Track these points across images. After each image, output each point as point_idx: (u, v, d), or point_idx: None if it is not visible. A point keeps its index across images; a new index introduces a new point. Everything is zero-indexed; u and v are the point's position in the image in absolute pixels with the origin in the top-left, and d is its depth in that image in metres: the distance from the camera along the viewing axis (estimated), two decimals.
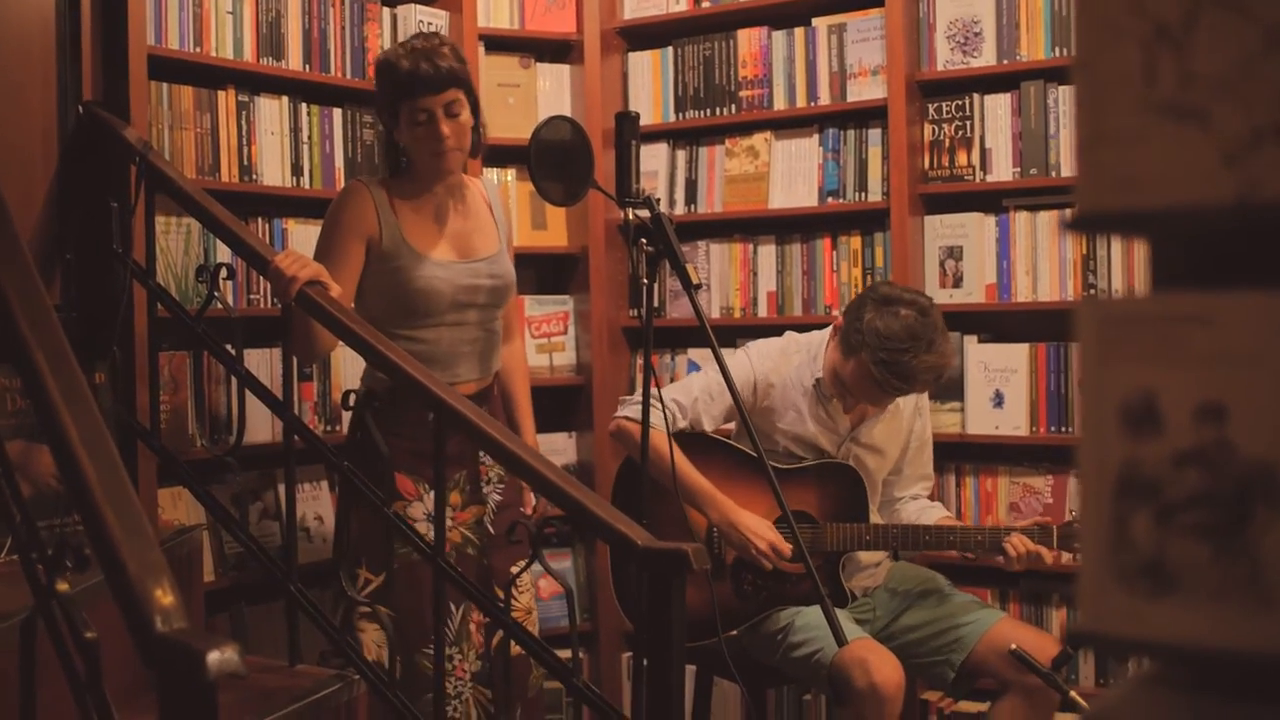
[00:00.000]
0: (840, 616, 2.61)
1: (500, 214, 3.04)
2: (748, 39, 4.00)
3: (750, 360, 3.15)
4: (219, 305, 2.90)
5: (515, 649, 2.62)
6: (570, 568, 4.14)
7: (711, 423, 3.15)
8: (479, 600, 2.49)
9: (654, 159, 4.13)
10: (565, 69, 4.23)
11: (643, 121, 2.73)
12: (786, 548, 2.98)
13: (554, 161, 2.65)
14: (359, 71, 3.74)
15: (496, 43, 4.13)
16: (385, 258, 2.83)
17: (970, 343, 3.66)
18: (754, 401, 3.10)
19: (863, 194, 3.83)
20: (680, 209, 4.12)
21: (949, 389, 3.67)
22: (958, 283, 3.68)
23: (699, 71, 4.09)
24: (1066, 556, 3.47)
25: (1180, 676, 0.86)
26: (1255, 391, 0.77)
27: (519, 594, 2.85)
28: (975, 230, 3.67)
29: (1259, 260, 0.83)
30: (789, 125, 3.98)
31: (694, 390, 3.15)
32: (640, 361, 4.21)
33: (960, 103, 3.69)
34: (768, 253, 4.00)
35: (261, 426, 3.36)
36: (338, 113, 3.70)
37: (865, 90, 3.81)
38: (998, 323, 3.71)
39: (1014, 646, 2.79)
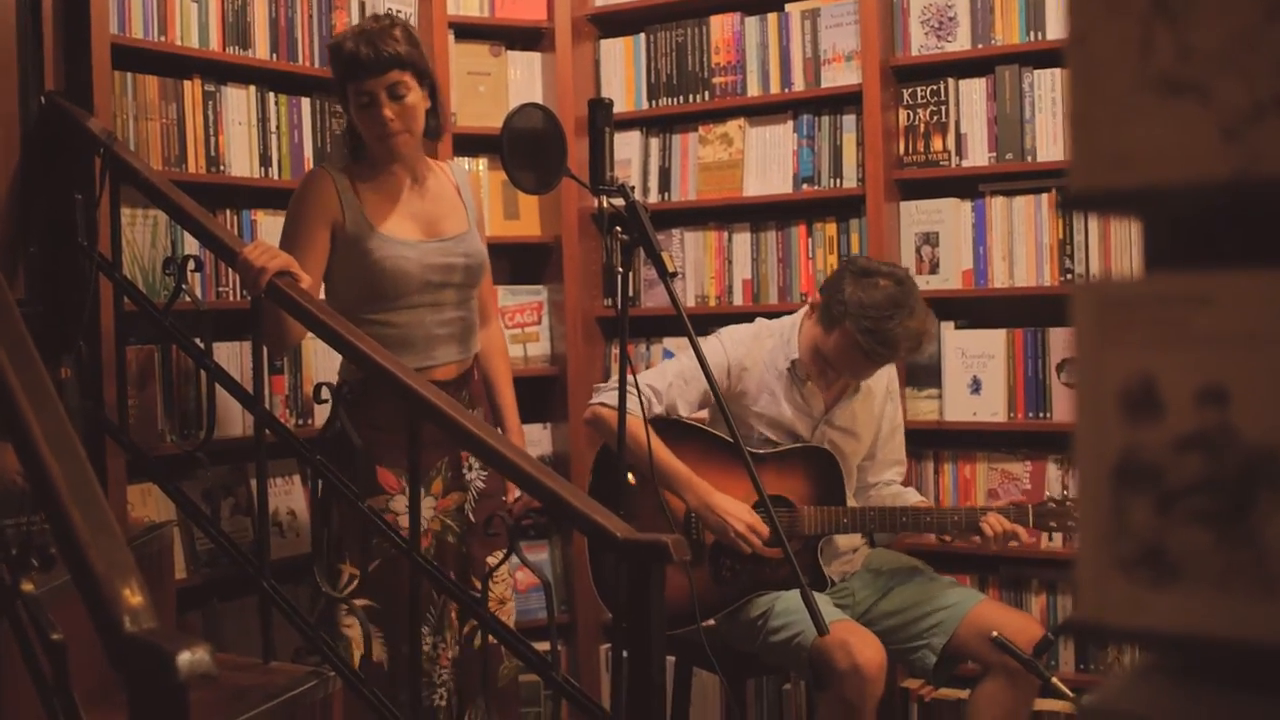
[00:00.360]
0: (820, 602, 2.59)
1: (469, 197, 3.01)
2: (720, 25, 3.97)
3: (724, 345, 3.13)
4: (187, 298, 2.85)
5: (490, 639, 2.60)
6: (547, 559, 4.11)
7: (687, 408, 3.13)
8: (456, 596, 2.46)
9: (627, 147, 4.10)
10: (536, 57, 4.19)
11: (615, 109, 2.70)
12: (765, 529, 2.97)
13: (527, 150, 2.61)
14: (327, 60, 3.68)
15: (467, 30, 4.08)
16: (350, 241, 2.80)
17: (947, 329, 3.64)
18: (728, 386, 3.09)
19: (838, 180, 3.81)
20: (654, 197, 4.09)
21: (926, 375, 3.66)
22: (934, 269, 3.66)
23: (671, 58, 4.06)
24: (1045, 538, 3.47)
25: (1179, 666, 0.84)
26: (1258, 373, 0.75)
27: (494, 583, 2.82)
28: (951, 216, 3.65)
29: (1255, 239, 0.81)
30: (763, 112, 3.95)
31: (668, 376, 3.13)
32: (615, 351, 4.18)
33: (935, 88, 3.67)
34: (743, 240, 3.97)
35: (232, 421, 3.31)
36: (306, 102, 3.65)
37: (839, 76, 3.79)
38: (975, 309, 3.69)
39: (995, 634, 2.78)
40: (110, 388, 2.95)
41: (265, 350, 2.76)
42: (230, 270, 3.40)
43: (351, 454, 2.48)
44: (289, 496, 3.56)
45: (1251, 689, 0.78)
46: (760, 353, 3.15)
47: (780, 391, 3.12)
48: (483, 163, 4.11)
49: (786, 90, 3.88)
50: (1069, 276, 3.51)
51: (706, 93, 4.00)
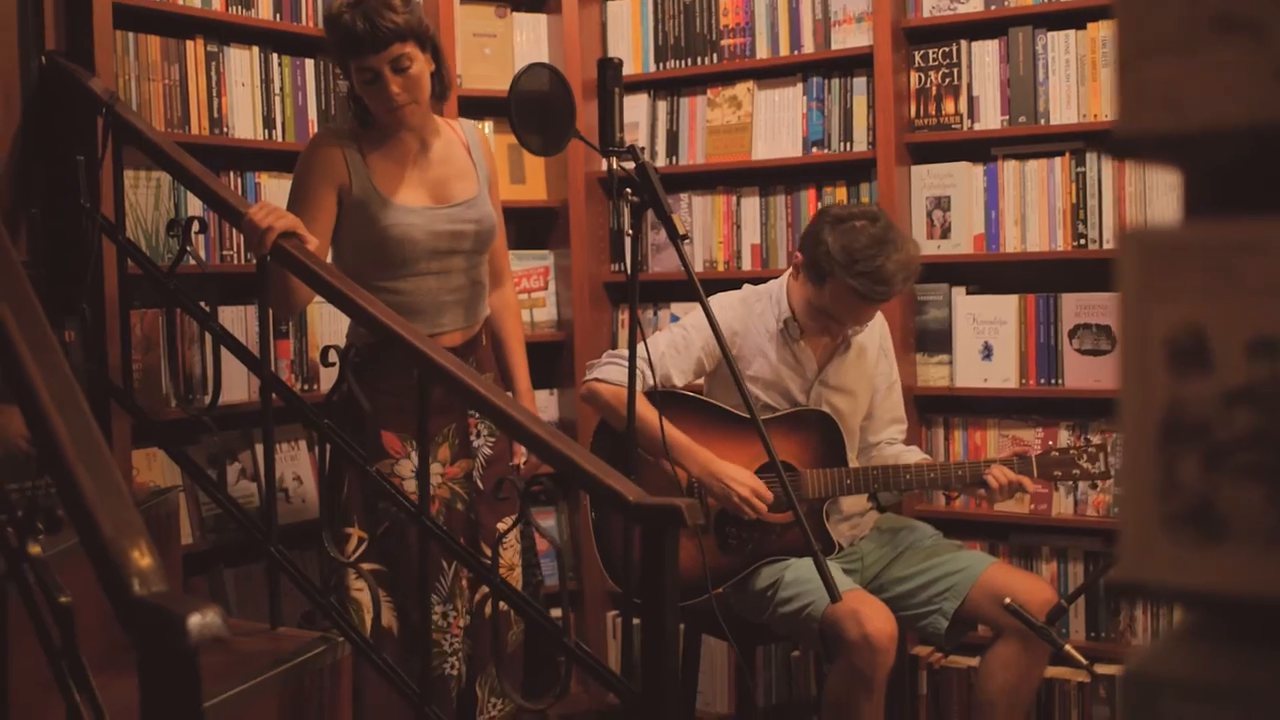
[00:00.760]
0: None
1: (480, 156, 2.95)
2: None
3: (713, 312, 3.10)
4: (191, 260, 2.82)
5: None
6: (554, 526, 4.09)
7: (681, 377, 3.10)
8: (466, 561, 2.43)
9: (634, 110, 4.05)
10: (542, 19, 4.14)
11: (623, 72, 2.68)
12: (769, 494, 2.95)
13: (535, 111, 2.57)
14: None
15: None
16: (357, 207, 2.76)
17: (958, 294, 3.61)
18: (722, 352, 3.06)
19: (848, 144, 3.76)
20: (662, 161, 4.05)
21: (937, 341, 3.63)
22: (945, 233, 3.62)
23: (679, 20, 4.01)
24: (1057, 504, 3.45)
25: (1221, 628, 0.81)
26: None
27: (503, 550, 2.80)
28: (963, 180, 3.61)
29: None
30: (772, 74, 3.90)
31: (660, 347, 3.09)
32: (623, 317, 4.15)
33: (947, 49, 3.62)
34: (751, 204, 3.93)
35: (237, 385, 3.29)
36: (310, 64, 3.61)
37: (850, 38, 3.74)
38: (986, 274, 3.66)
39: (1008, 601, 2.76)
40: (114, 351, 2.92)
41: (271, 314, 2.72)
42: (235, 233, 3.36)
43: (359, 418, 2.45)
44: (294, 462, 3.54)
45: None
46: (751, 316, 3.13)
47: (773, 353, 3.10)
48: (488, 125, 4.06)
49: (796, 52, 3.83)
50: (1082, 241, 3.47)
51: (715, 55, 3.96)
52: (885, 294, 2.95)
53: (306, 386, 3.53)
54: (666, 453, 2.88)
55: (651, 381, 3.05)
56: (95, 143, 2.89)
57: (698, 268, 3.99)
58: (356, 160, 2.77)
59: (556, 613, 2.29)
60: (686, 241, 3.13)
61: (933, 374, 3.64)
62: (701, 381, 3.22)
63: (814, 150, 3.83)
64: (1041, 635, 2.76)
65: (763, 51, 3.88)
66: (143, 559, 1.37)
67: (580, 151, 3.98)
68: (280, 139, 3.53)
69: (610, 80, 2.55)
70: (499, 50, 4.07)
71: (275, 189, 3.48)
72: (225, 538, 3.30)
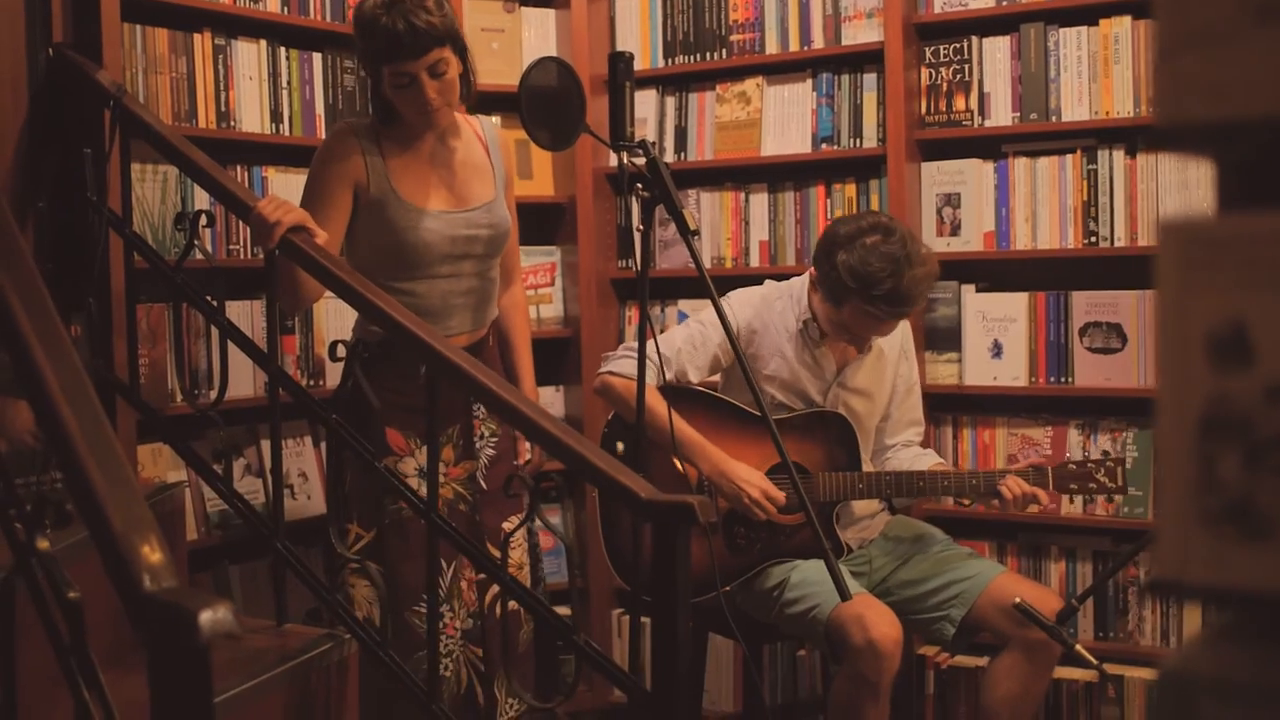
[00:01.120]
0: None
1: (498, 155, 2.94)
2: None
3: (733, 308, 3.08)
4: (198, 255, 2.80)
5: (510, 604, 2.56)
6: (559, 524, 4.08)
7: (697, 374, 3.08)
8: (475, 558, 2.41)
9: (643, 106, 4.03)
10: (550, 13, 4.12)
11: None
12: (780, 496, 2.93)
13: (544, 106, 2.55)
14: (339, 14, 3.63)
15: None
16: (373, 207, 2.73)
17: (968, 292, 3.59)
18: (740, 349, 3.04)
19: (858, 140, 3.75)
20: (670, 157, 4.03)
21: (946, 339, 3.61)
22: (955, 230, 3.60)
23: (688, 15, 3.99)
24: (1065, 503, 3.43)
25: (1257, 627, 0.79)
26: None
27: (511, 549, 2.78)
28: (973, 177, 3.59)
29: None
30: (782, 70, 3.88)
31: (677, 342, 3.07)
32: (629, 313, 4.13)
33: (958, 45, 3.60)
34: (760, 201, 3.91)
35: (242, 381, 3.27)
36: (318, 57, 3.59)
37: (860, 33, 3.72)
38: (996, 271, 3.64)
39: (1018, 600, 2.74)
40: (120, 346, 2.90)
41: (279, 308, 2.71)
42: (241, 227, 3.35)
43: (365, 414, 2.43)
44: (300, 458, 3.52)
45: None
46: (770, 314, 3.10)
47: (792, 353, 3.07)
48: (496, 121, 4.04)
49: (806, 48, 3.81)
50: (1093, 239, 3.45)
51: (724, 50, 3.94)
52: (904, 313, 2.94)
53: (312, 382, 3.52)
54: (675, 449, 2.86)
55: (668, 376, 3.03)
56: (102, 136, 2.87)
57: (705, 264, 3.95)
58: (375, 159, 2.75)
59: (562, 610, 2.27)
60: (696, 237, 3.12)
61: (942, 372, 3.62)
62: (717, 378, 3.20)
63: (823, 147, 3.81)
64: (1051, 634, 2.74)
65: (772, 47, 3.86)
66: (153, 554, 1.35)
67: (588, 147, 3.96)
68: (288, 133, 3.51)
69: (621, 74, 2.52)
70: (507, 45, 4.06)
71: (282, 183, 3.47)
72: (230, 534, 3.28)
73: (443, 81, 2.67)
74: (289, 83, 3.52)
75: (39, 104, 2.91)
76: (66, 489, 1.47)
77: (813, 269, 3.00)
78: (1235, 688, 0.76)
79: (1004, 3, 3.55)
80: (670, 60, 4.02)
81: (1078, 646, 2.76)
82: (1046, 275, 3.57)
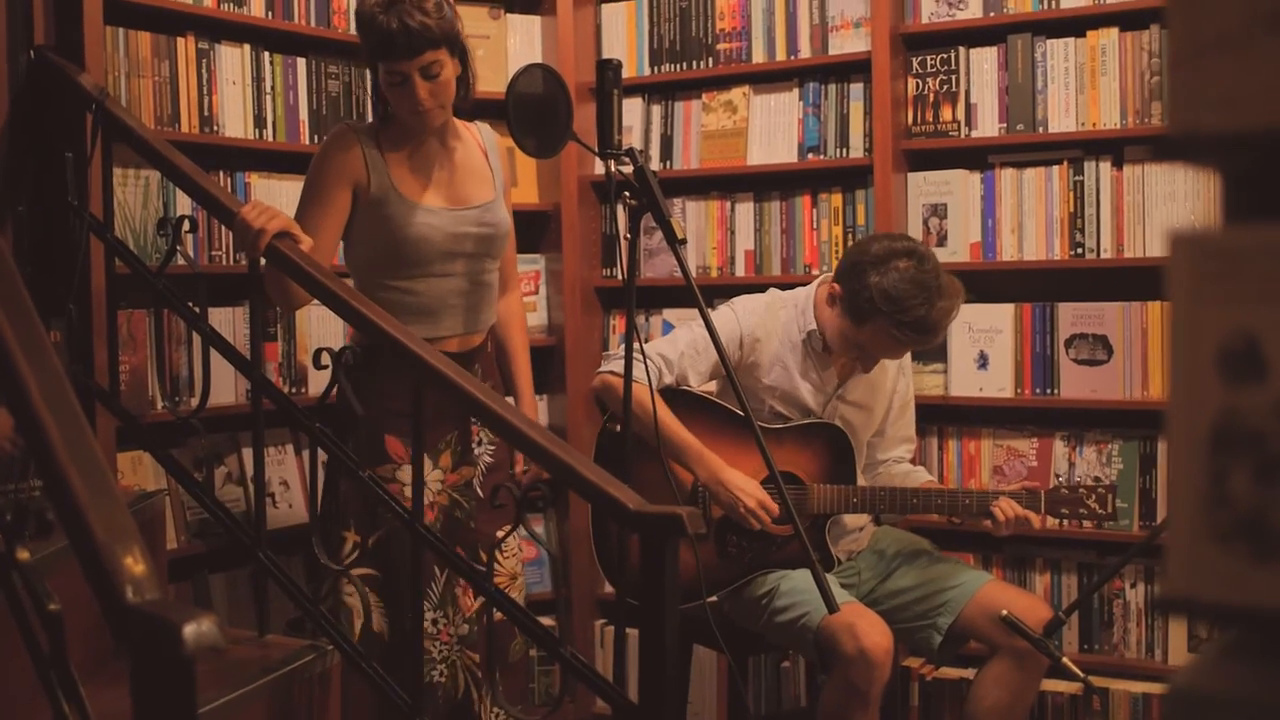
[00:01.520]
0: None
1: (497, 162, 2.94)
2: None
3: (736, 315, 3.06)
4: (181, 260, 2.77)
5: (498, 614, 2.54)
6: (543, 533, 4.05)
7: (698, 379, 3.07)
8: (461, 569, 2.39)
9: (629, 114, 4.01)
10: (536, 20, 4.10)
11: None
12: (775, 506, 2.91)
13: (531, 113, 2.54)
14: (324, 19, 3.60)
15: None
16: (374, 205, 2.73)
17: None
18: (740, 357, 3.02)
19: (844, 150, 3.74)
20: (656, 165, 4.01)
21: (932, 350, 3.60)
22: (941, 241, 3.59)
23: (675, 23, 3.98)
24: (1053, 522, 3.42)
25: (1266, 644, 0.78)
26: None
27: (505, 559, 2.77)
28: (960, 187, 3.58)
29: None
30: (768, 79, 3.87)
31: (680, 345, 3.05)
32: (614, 322, 4.12)
33: (945, 56, 3.60)
34: (745, 210, 3.90)
35: (224, 388, 3.24)
36: (301, 62, 3.56)
37: (847, 43, 3.71)
38: (983, 282, 3.62)
39: (1005, 613, 2.74)
40: (100, 352, 2.87)
41: (263, 314, 2.68)
42: (224, 233, 3.32)
43: (360, 422, 2.41)
44: (281, 466, 3.49)
45: None
46: (774, 324, 3.08)
47: (794, 364, 3.05)
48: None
49: (793, 57, 3.81)
50: (1079, 251, 3.45)
51: (710, 59, 3.92)
52: (928, 342, 2.94)
53: (295, 389, 3.49)
54: (664, 451, 2.82)
55: (669, 380, 3.02)
56: (84, 139, 2.84)
57: (691, 273, 3.94)
58: (376, 158, 2.74)
59: (545, 620, 2.25)
60: (683, 246, 3.10)
61: (927, 383, 3.61)
62: (715, 384, 3.19)
63: (810, 156, 3.80)
64: (1038, 647, 2.74)
65: (759, 56, 3.85)
66: (136, 565, 1.32)
67: (573, 154, 3.94)
68: (271, 138, 3.48)
69: (610, 82, 2.51)
70: (492, 52, 4.03)
71: (265, 189, 3.44)
72: (210, 543, 3.25)
73: (435, 83, 2.66)
74: (273, 88, 3.49)
75: (19, 107, 2.88)
76: (47, 498, 1.45)
77: (835, 284, 2.96)
78: (1244, 705, 0.75)
79: (991, 14, 3.54)
80: (656, 68, 4.01)
81: (1064, 659, 2.76)
82: (1033, 286, 3.57)
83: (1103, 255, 3.42)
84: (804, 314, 3.05)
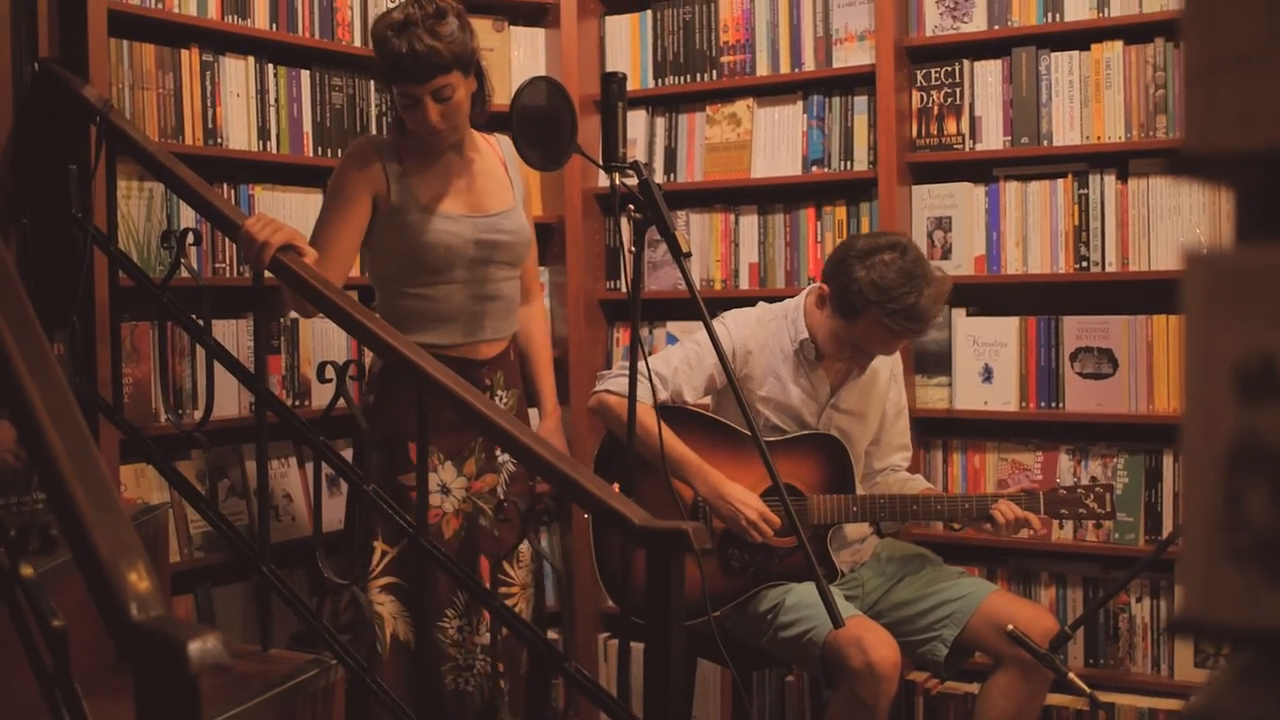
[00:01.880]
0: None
1: (516, 173, 2.97)
2: (729, 2, 3.89)
3: (728, 329, 3.07)
4: (184, 273, 2.77)
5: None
6: (546, 547, 4.04)
7: (693, 394, 3.06)
8: (461, 579, 2.38)
9: (633, 126, 4.01)
10: (540, 33, 4.11)
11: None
12: (776, 519, 2.90)
13: (536, 126, 2.53)
14: (328, 32, 3.60)
15: (469, 4, 3.95)
16: (395, 213, 2.76)
17: (959, 316, 3.58)
18: (734, 370, 3.02)
19: (848, 163, 3.73)
20: (659, 178, 4.01)
21: (936, 363, 3.59)
22: (946, 254, 3.59)
23: (679, 36, 3.98)
24: (1056, 529, 3.41)
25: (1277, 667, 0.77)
26: None
27: (517, 569, 2.77)
28: (964, 200, 3.58)
29: None
30: (772, 92, 3.87)
31: (674, 361, 3.05)
32: (618, 335, 4.11)
33: (950, 69, 3.60)
34: (749, 223, 3.90)
35: (227, 400, 3.23)
36: (306, 74, 3.56)
37: (852, 56, 3.71)
38: (987, 295, 3.62)
39: (1011, 628, 2.73)
40: (104, 365, 2.86)
41: (267, 326, 2.69)
42: (228, 245, 3.32)
43: (388, 433, 2.42)
44: (285, 479, 3.48)
45: None
46: (765, 335, 3.08)
47: (786, 375, 3.05)
48: None
49: (797, 70, 3.81)
50: (1084, 264, 3.44)
51: (714, 72, 3.92)
52: (920, 330, 2.94)
53: (298, 402, 3.48)
54: (664, 470, 2.82)
55: (664, 396, 3.01)
56: (88, 152, 2.83)
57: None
58: (395, 169, 2.78)
59: (551, 634, 2.24)
60: (688, 259, 3.10)
61: (932, 396, 3.60)
62: (709, 400, 3.18)
63: (814, 169, 3.80)
64: (1045, 662, 2.72)
65: (763, 69, 3.85)
66: (141, 582, 1.32)
67: (577, 167, 3.94)
68: (275, 150, 3.48)
69: (614, 95, 2.51)
70: (496, 64, 4.03)
71: (270, 201, 3.44)
72: (213, 556, 3.24)
73: (447, 106, 2.69)
74: (277, 100, 3.49)
75: (24, 119, 2.88)
76: (51, 513, 1.44)
77: (822, 285, 2.99)
78: None
79: (996, 27, 3.54)
80: (660, 81, 4.01)
81: (1070, 674, 2.74)
82: (1037, 300, 3.56)
83: (1108, 268, 3.41)
84: (794, 323, 3.06)
